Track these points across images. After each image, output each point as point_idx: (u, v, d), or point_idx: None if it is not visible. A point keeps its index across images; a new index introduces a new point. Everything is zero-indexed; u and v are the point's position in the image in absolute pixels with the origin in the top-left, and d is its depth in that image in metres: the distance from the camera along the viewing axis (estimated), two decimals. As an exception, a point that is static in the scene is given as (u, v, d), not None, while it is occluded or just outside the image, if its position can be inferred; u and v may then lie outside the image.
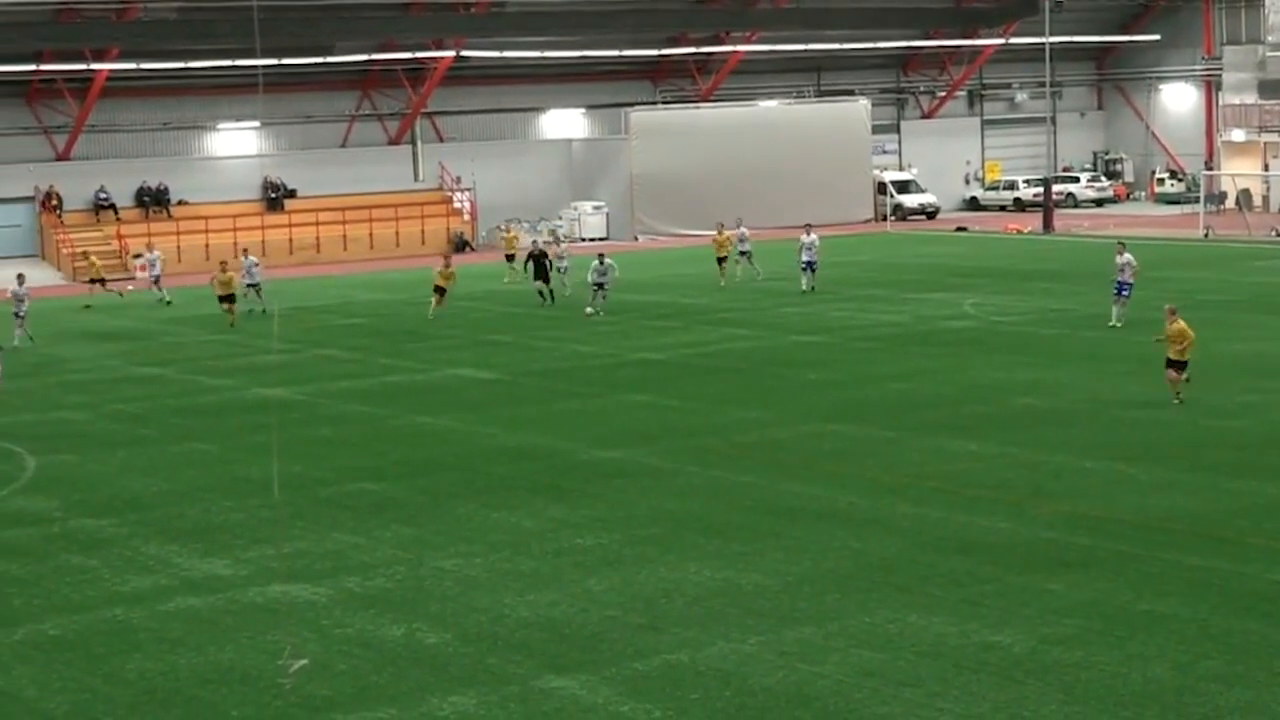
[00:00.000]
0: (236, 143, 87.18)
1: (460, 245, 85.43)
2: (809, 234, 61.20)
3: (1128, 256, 48.78)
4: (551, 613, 22.66)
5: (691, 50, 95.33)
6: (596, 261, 56.35)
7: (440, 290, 56.86)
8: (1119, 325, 47.66)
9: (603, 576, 24.37)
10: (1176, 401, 35.77)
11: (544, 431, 36.13)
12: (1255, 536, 25.44)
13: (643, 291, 62.37)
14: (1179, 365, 35.98)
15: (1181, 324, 35.75)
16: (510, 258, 70.37)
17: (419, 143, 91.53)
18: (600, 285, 55.79)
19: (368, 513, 29.02)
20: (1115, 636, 20.75)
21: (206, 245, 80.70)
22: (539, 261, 60.47)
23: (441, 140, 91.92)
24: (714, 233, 66.63)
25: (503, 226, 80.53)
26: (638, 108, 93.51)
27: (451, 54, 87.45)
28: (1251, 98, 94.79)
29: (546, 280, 60.03)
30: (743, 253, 66.56)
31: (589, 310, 55.47)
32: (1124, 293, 48.51)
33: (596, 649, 21.11)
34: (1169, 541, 25.32)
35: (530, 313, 57.92)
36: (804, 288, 60.34)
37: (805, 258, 60.74)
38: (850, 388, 40.42)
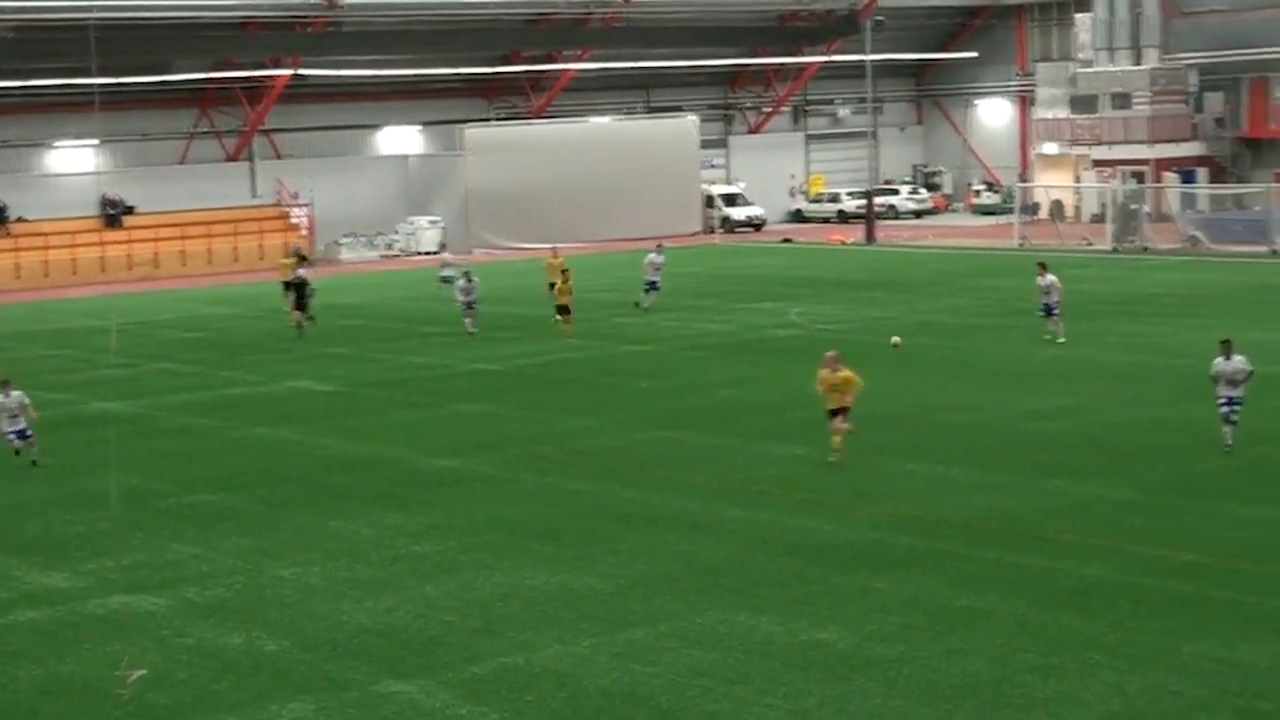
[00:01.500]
0: (75, 160, 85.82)
1: (298, 259, 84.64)
2: (659, 253, 59.36)
3: (1051, 278, 47.16)
4: (389, 619, 22.54)
5: (525, 68, 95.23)
6: (463, 280, 53.96)
7: (562, 309, 52.64)
8: (1062, 340, 46.12)
9: (439, 582, 24.27)
10: (833, 458, 31.67)
11: (381, 441, 35.94)
12: (1069, 534, 25.80)
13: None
14: (841, 411, 31.70)
15: (847, 372, 31.72)
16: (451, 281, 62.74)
17: (256, 159, 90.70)
18: (470, 305, 53.13)
19: (207, 523, 28.71)
20: (935, 632, 20.97)
21: (46, 262, 79.58)
22: (300, 289, 55.81)
23: (279, 157, 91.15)
24: (548, 256, 61.29)
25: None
26: (472, 124, 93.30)
27: (288, 72, 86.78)
28: (1063, 112, 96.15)
29: (305, 309, 55.21)
30: (445, 279, 62.45)
31: (471, 330, 52.91)
32: (1054, 312, 46.95)
33: (434, 654, 21.02)
34: (987, 540, 25.63)
35: (368, 325, 57.60)
36: (644, 306, 58.08)
37: (650, 277, 58.23)
38: (681, 395, 40.56)
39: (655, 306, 58.10)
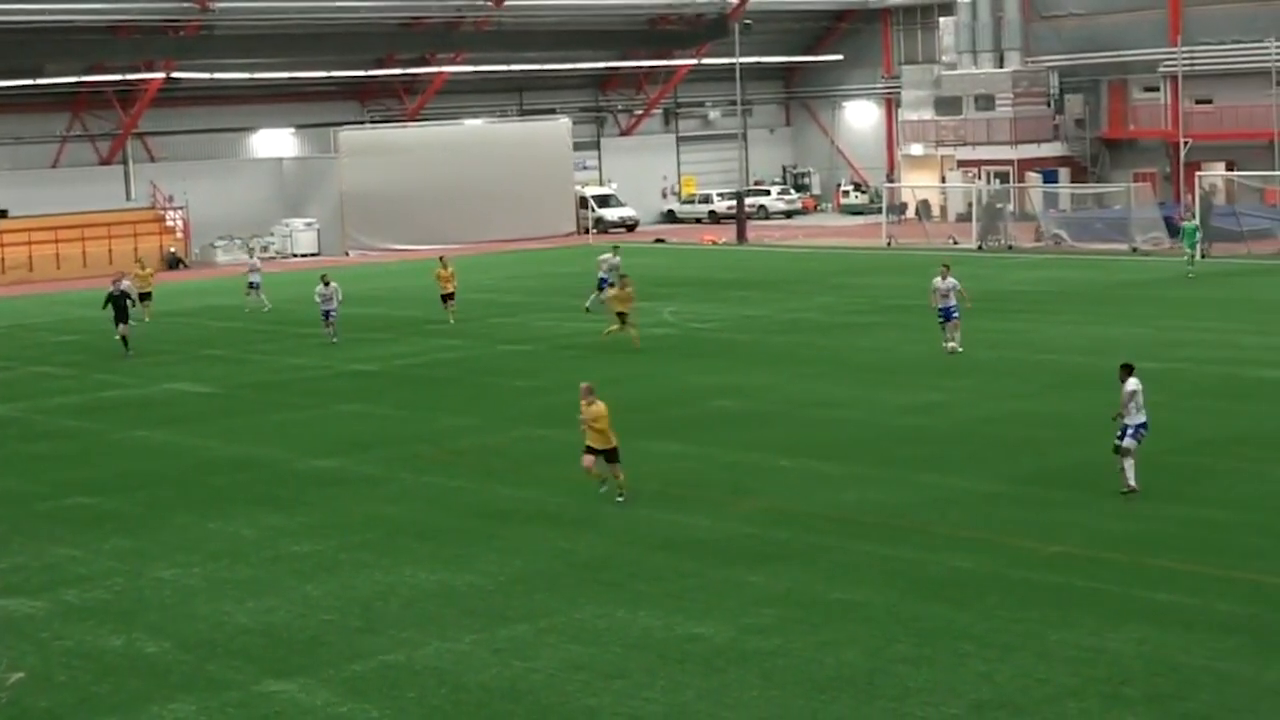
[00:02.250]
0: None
1: (173, 263, 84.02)
2: (615, 255, 57.22)
3: (953, 280, 44.13)
4: (270, 618, 22.38)
5: (398, 71, 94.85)
6: (321, 286, 51.86)
7: (622, 316, 47.51)
8: (960, 350, 43.05)
9: (320, 582, 24.13)
10: (620, 499, 28.39)
11: (260, 442, 35.69)
12: (940, 526, 26.01)
13: (354, 305, 61.77)
14: (608, 453, 28.25)
15: (600, 406, 28.27)
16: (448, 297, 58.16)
17: (130, 162, 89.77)
18: (328, 314, 51.16)
19: (86, 526, 28.38)
20: (811, 624, 21.07)
21: (-81, 265, 78.56)
22: (119, 302, 51.47)
23: (153, 160, 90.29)
24: (438, 267, 56.70)
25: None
26: (346, 127, 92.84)
27: (161, 75, 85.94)
28: (928, 114, 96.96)
29: (126, 321, 51.35)
30: (251, 284, 61.82)
31: (333, 340, 51.29)
32: (954, 316, 43.64)
33: (315, 653, 20.89)
34: (860, 533, 25.79)
35: (246, 327, 57.16)
36: (589, 306, 55.75)
37: (603, 274, 55.47)
38: (557, 394, 40.45)
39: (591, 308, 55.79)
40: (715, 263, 75.68)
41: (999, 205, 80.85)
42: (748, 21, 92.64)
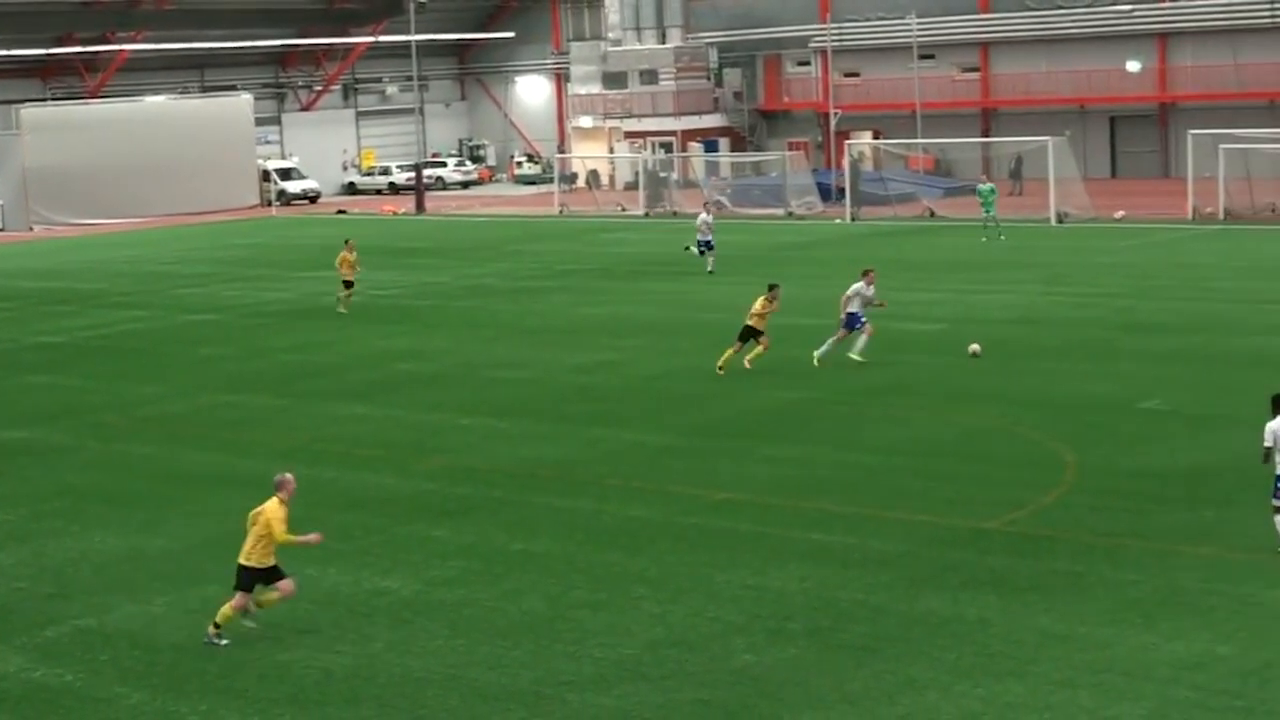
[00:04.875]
0: None
1: None
2: (708, 213, 55.07)
3: (860, 285, 34.92)
4: (-40, 589, 21.68)
5: (79, 49, 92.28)
6: None
7: (753, 333, 34.78)
8: (862, 360, 34.60)
9: (10, 551, 23.44)
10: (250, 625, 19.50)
11: (-53, 416, 34.49)
12: (613, 479, 26.23)
13: (39, 279, 60.18)
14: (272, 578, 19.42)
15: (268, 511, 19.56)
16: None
17: None
18: None
19: None
20: (493, 575, 21.10)
21: None
22: None
23: None
24: (344, 255, 48.62)
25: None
26: (28, 104, 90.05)
27: None
28: (596, 88, 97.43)
29: None
30: None
31: None
32: (860, 322, 34.75)
33: (7, 620, 20.29)
34: (538, 487, 25.89)
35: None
36: (709, 268, 52.28)
37: (704, 237, 52.66)
38: (243, 361, 39.90)
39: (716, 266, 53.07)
40: (396, 232, 75.11)
41: (663, 174, 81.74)
42: (423, 0, 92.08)
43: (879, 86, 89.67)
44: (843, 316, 34.89)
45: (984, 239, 58.80)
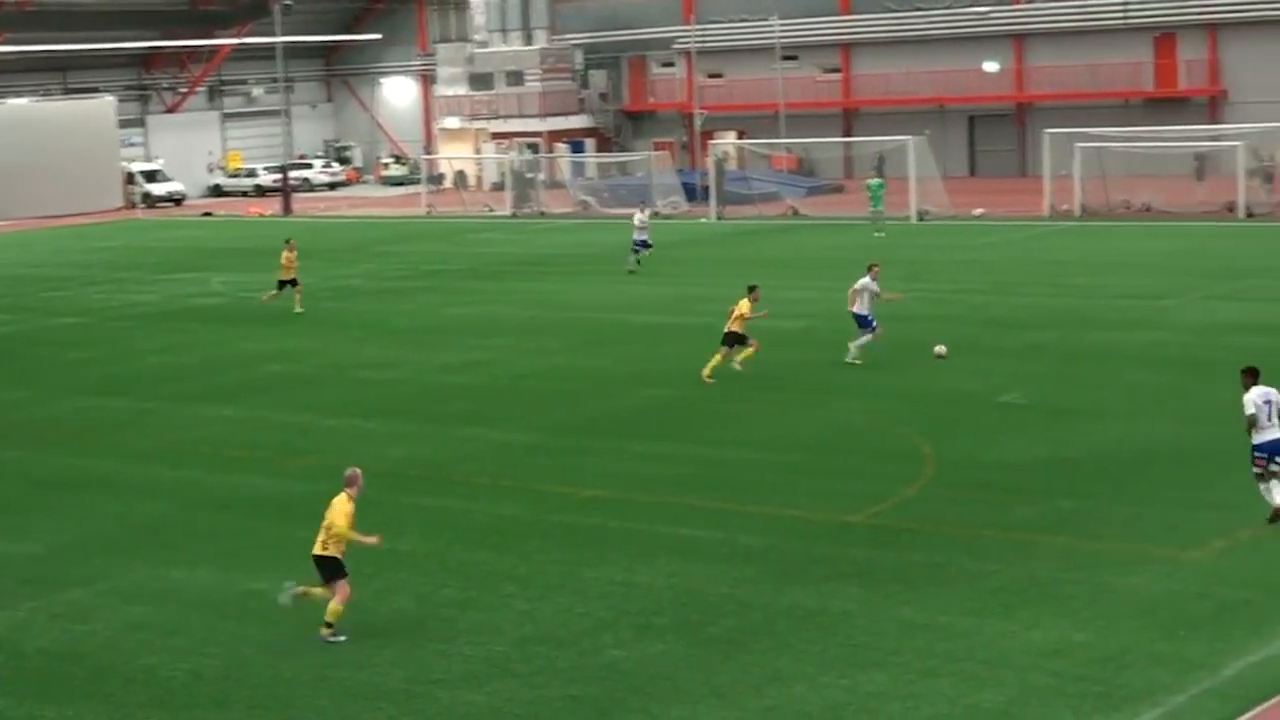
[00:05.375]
0: None
1: None
2: (644, 212, 54.21)
3: (866, 280, 34.57)
4: None
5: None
6: None
7: (737, 338, 33.36)
8: (858, 362, 33.90)
9: (-128, 558, 23.02)
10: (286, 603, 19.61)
11: None
12: (483, 477, 26.20)
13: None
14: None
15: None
16: None
17: None
18: None
19: None
20: (363, 574, 20.89)
21: None
22: None
23: None
24: (286, 254, 47.28)
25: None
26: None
27: None
28: (463, 89, 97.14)
29: None
30: None
31: None
32: (871, 325, 34.24)
33: None
34: (407, 486, 25.78)
35: None
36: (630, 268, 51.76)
37: (639, 236, 52.11)
38: (109, 364, 39.43)
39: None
40: (262, 233, 74.38)
41: (530, 175, 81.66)
42: (288, 2, 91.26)
43: (742, 87, 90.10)
44: (850, 311, 34.41)
45: (878, 234, 59.06)
